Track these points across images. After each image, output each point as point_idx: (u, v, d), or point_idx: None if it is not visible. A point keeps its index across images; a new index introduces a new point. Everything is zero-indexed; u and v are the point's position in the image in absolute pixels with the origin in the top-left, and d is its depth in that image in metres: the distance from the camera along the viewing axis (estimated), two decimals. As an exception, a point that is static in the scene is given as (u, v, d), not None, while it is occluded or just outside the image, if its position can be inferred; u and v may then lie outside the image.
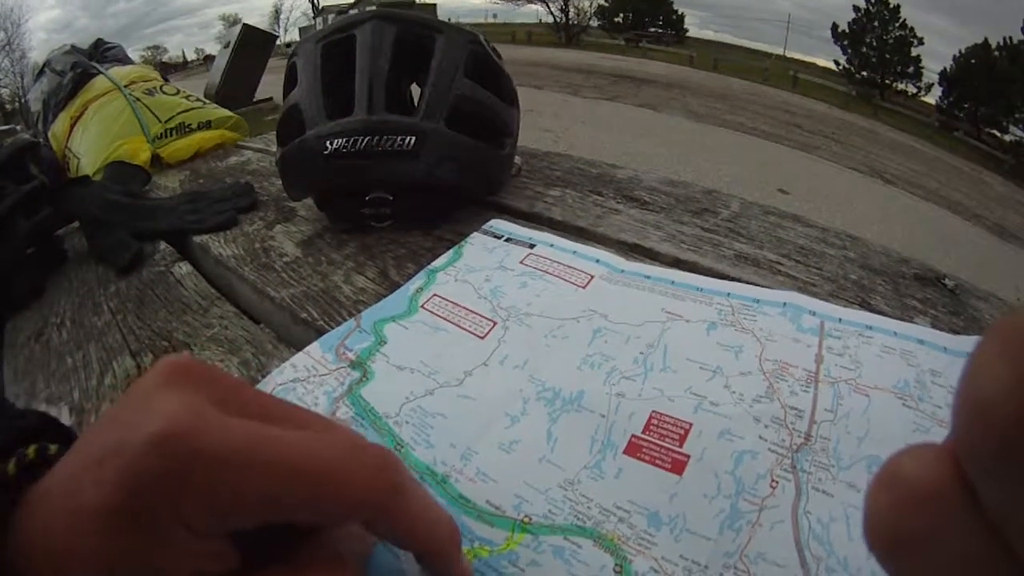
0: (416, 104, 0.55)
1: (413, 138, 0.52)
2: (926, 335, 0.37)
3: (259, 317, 0.49)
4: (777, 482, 0.29)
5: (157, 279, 0.56)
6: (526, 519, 0.29)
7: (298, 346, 0.43)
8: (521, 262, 0.48)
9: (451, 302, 0.44)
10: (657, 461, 0.31)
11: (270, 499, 0.20)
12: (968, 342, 0.36)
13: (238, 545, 0.21)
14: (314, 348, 0.40)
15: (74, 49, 1.32)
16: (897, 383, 0.33)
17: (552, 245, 0.50)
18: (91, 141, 1.06)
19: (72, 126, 1.12)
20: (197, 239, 0.63)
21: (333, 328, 0.43)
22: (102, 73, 1.16)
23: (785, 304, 0.41)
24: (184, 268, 0.57)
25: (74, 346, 0.48)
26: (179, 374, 0.21)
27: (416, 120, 0.53)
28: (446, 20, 0.60)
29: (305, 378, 0.38)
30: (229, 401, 0.21)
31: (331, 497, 0.21)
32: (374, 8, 0.57)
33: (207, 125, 1.09)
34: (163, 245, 0.62)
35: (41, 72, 1.29)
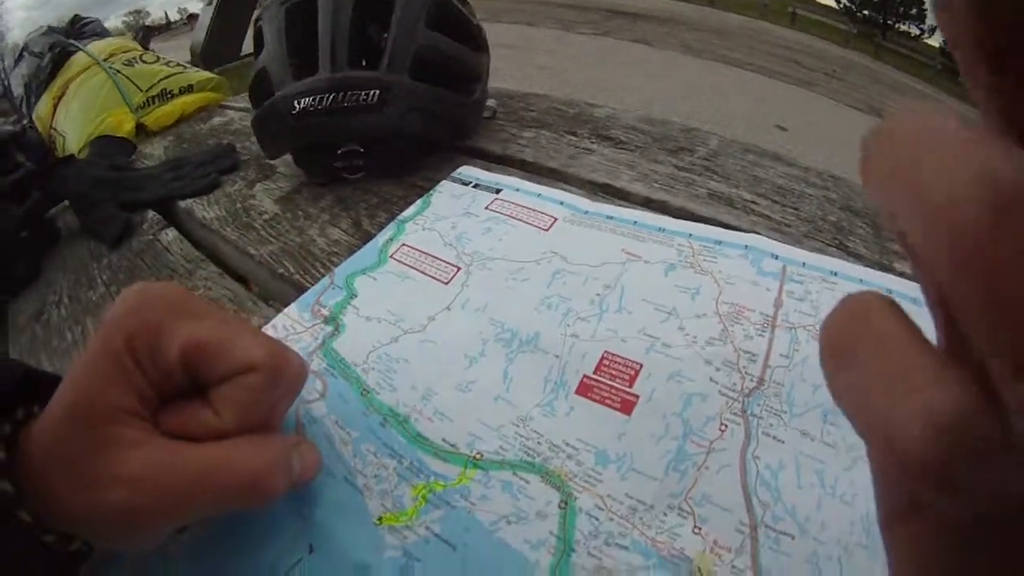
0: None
1: (377, 92, 0.52)
2: (894, 284, 0.36)
3: (245, 275, 0.51)
4: (726, 426, 0.30)
5: (146, 248, 0.57)
6: (478, 455, 0.30)
7: (279, 300, 0.44)
8: (487, 207, 0.49)
9: (418, 250, 0.45)
10: (607, 401, 0.32)
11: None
12: None
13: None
14: (292, 309, 0.41)
15: (51, 30, 1.32)
16: None
17: (518, 189, 0.51)
18: (75, 118, 1.07)
19: (55, 106, 1.12)
20: (182, 204, 0.64)
21: (308, 281, 0.45)
22: (81, 49, 1.16)
23: (747, 247, 0.40)
24: (170, 234, 0.58)
25: (73, 321, 0.50)
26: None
27: (379, 74, 0.53)
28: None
29: (284, 337, 0.39)
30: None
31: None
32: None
33: (188, 89, 1.09)
34: (151, 214, 0.63)
35: (20, 56, 1.30)
